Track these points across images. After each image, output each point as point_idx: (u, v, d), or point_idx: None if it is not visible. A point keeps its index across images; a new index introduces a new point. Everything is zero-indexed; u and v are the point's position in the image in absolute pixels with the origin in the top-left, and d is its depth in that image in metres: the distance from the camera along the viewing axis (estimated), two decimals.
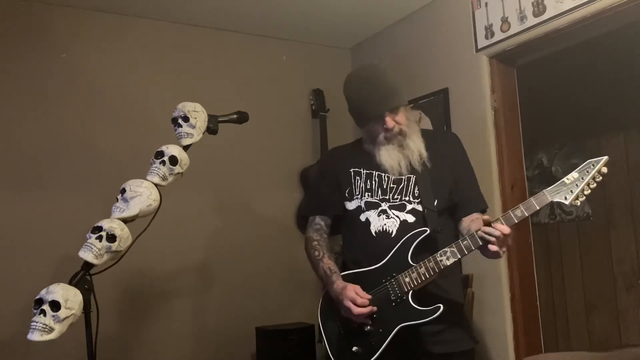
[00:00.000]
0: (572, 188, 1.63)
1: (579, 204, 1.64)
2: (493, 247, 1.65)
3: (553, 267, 3.98)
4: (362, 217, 1.91)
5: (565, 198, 1.63)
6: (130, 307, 3.07)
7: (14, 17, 2.96)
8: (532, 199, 1.67)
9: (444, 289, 1.85)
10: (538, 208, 1.65)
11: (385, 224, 1.86)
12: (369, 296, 1.79)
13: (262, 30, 3.59)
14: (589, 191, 1.64)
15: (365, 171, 1.94)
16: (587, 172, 1.63)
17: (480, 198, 1.99)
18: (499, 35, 2.84)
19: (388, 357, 1.77)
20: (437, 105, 3.21)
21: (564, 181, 1.65)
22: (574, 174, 1.65)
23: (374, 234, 1.87)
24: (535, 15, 2.64)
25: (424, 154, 1.88)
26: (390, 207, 1.88)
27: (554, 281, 3.97)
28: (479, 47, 2.96)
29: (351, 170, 1.98)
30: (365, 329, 1.80)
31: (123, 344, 3.01)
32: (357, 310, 1.76)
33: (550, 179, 4.00)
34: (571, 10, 2.49)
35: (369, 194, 1.91)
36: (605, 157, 1.63)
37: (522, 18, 2.71)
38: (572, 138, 3.90)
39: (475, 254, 1.76)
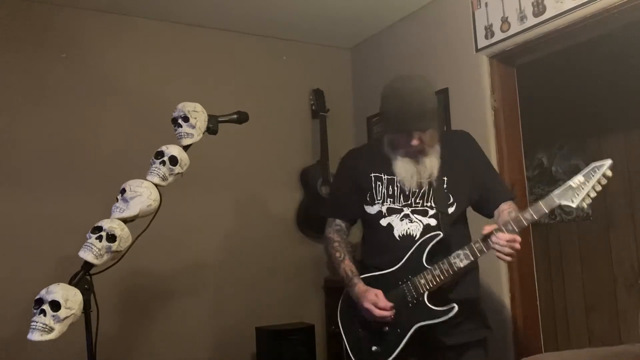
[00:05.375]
0: (577, 192, 1.68)
1: (585, 207, 1.69)
2: (499, 256, 1.72)
3: (553, 267, 3.98)
4: (384, 222, 1.96)
5: (572, 201, 1.68)
6: (130, 307, 3.07)
7: (14, 17, 2.96)
8: (540, 202, 1.71)
9: (460, 287, 1.92)
10: (547, 211, 1.70)
11: (409, 228, 1.93)
12: (391, 304, 1.85)
13: (262, 30, 3.59)
14: (595, 194, 1.68)
15: (386, 177, 1.98)
16: (592, 175, 1.67)
17: (505, 189, 2.06)
18: (499, 35, 2.84)
19: (406, 353, 1.85)
20: (437, 105, 3.20)
21: (570, 185, 1.69)
22: (580, 178, 1.68)
23: (397, 238, 1.93)
24: (535, 15, 2.64)
25: (435, 174, 1.92)
26: (413, 212, 1.93)
27: (553, 281, 3.97)
28: (479, 47, 2.96)
29: (372, 175, 2.01)
30: (384, 330, 1.88)
31: (123, 344, 3.01)
32: (378, 312, 1.84)
33: (550, 179, 4.00)
34: (571, 10, 2.49)
35: (391, 199, 1.96)
36: (609, 161, 1.67)
37: (522, 18, 2.71)
38: (572, 138, 3.89)
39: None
